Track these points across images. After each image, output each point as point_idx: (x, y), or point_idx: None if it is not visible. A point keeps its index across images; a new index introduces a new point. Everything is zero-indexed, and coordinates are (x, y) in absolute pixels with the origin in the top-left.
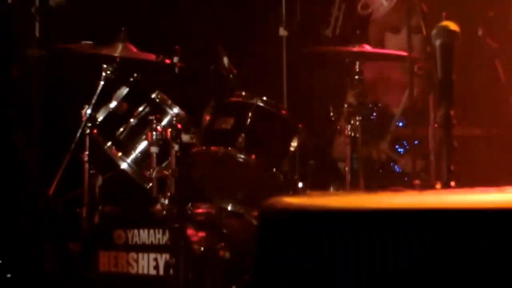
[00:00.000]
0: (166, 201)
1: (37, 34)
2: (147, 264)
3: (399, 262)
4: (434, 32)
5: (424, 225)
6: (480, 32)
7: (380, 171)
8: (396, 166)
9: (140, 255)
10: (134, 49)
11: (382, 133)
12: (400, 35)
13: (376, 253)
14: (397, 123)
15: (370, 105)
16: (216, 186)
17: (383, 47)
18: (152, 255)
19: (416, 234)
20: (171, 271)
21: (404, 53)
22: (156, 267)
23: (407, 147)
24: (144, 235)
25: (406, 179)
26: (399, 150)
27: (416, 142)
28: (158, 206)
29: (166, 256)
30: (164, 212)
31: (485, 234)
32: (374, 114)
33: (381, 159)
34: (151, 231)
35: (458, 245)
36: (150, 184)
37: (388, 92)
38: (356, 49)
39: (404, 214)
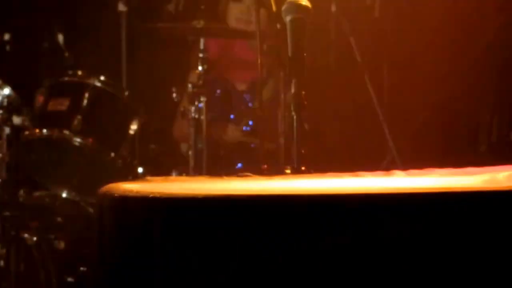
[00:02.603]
0: None
1: None
2: None
3: (242, 250)
4: (284, 7)
5: (272, 211)
6: (333, 8)
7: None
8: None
9: None
10: None
11: (229, 112)
12: (242, 4)
13: (221, 242)
14: (248, 103)
15: (213, 82)
16: (50, 172)
17: (225, 16)
18: None
19: (263, 221)
20: (2, 262)
21: (251, 29)
22: None
23: (251, 124)
24: None
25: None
26: (245, 129)
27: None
28: None
29: None
30: None
31: (342, 221)
32: (218, 91)
33: (231, 141)
34: None
35: (308, 234)
36: None
37: (232, 69)
38: (200, 25)
39: (249, 200)
